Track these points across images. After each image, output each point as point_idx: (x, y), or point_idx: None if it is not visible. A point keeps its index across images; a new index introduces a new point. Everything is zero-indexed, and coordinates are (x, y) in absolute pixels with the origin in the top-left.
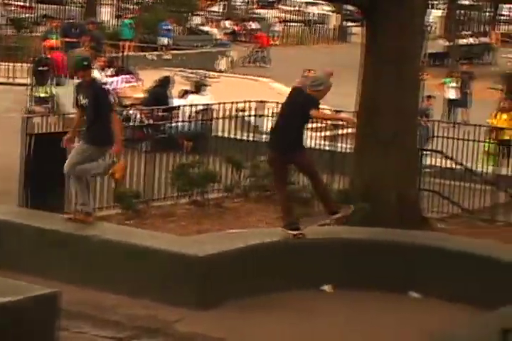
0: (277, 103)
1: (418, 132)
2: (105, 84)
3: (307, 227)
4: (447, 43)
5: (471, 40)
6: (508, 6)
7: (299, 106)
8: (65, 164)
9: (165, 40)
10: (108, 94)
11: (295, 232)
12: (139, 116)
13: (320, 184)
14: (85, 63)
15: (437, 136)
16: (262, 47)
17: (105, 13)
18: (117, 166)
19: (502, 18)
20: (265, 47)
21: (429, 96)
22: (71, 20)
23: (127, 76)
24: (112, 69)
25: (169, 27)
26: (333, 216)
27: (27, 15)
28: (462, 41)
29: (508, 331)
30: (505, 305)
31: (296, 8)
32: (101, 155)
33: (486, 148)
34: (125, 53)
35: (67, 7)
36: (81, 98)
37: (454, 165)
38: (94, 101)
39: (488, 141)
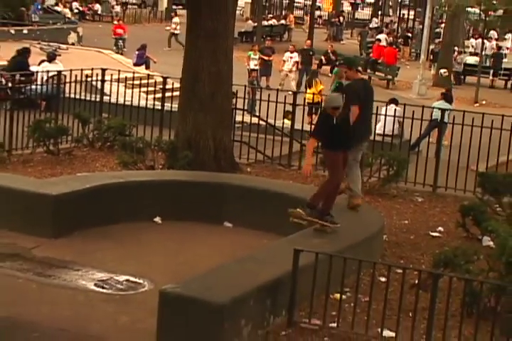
0: (119, 71)
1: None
2: None
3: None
4: (254, 24)
5: (272, 22)
6: None
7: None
8: None
9: (36, 17)
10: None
11: (332, 225)
12: (2, 80)
13: (328, 185)
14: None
15: (244, 98)
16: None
17: None
18: None
19: (297, 4)
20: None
21: (252, 70)
22: None
23: None
24: None
25: (39, 6)
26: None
27: None
28: (266, 22)
29: (299, 251)
30: (295, 232)
31: None
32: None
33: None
34: None
35: None
36: None
37: (259, 122)
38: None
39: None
